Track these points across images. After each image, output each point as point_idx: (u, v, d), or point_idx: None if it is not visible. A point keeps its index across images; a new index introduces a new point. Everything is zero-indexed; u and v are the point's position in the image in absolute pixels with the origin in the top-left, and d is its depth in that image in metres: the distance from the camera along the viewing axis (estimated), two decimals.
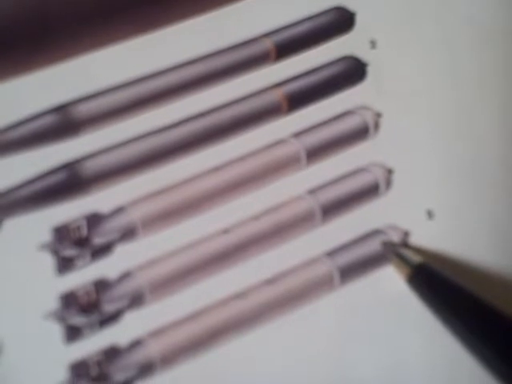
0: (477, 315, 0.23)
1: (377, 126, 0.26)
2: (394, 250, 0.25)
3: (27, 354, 0.22)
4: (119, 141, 0.24)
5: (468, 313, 0.23)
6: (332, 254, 0.25)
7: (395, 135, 0.26)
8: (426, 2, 0.27)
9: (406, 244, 0.26)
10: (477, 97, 0.27)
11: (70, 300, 0.23)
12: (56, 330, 0.22)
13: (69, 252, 0.23)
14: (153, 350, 0.23)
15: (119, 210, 0.24)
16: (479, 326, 0.23)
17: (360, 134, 0.26)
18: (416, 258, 0.25)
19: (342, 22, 0.26)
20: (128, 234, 0.24)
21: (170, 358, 0.23)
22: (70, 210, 0.23)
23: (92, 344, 0.23)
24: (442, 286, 0.24)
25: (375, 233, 0.25)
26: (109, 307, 0.23)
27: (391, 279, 0.25)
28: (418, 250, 0.26)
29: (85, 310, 0.23)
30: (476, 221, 0.26)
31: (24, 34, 0.24)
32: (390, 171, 0.26)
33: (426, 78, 0.27)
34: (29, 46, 0.24)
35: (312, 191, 0.25)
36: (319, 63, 0.26)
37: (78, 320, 0.23)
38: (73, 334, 0.23)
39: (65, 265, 0.23)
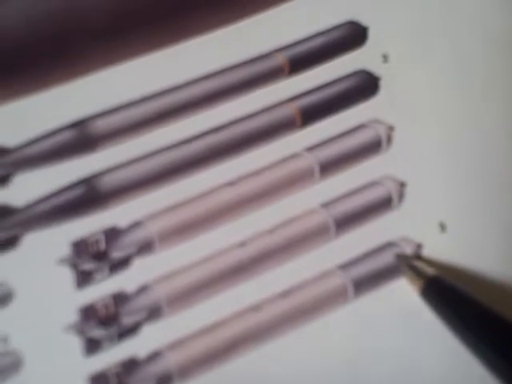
0: (490, 328, 0.23)
1: (389, 139, 0.26)
2: (407, 262, 0.25)
3: (47, 366, 0.23)
4: (136, 156, 0.24)
5: (481, 325, 0.24)
6: (345, 266, 0.25)
7: (408, 148, 0.26)
8: (437, 16, 0.27)
9: (418, 256, 0.26)
10: (488, 110, 0.27)
11: (89, 313, 0.23)
12: (75, 343, 0.23)
13: (87, 266, 0.23)
14: (170, 361, 0.23)
15: (137, 225, 0.24)
16: (493, 339, 0.23)
17: (373, 147, 0.26)
18: (429, 271, 0.25)
19: (354, 36, 0.27)
20: (145, 247, 0.24)
21: (187, 370, 0.23)
22: (88, 225, 0.24)
23: (111, 356, 0.23)
24: (456, 298, 0.24)
25: (388, 245, 0.26)
26: (127, 320, 0.23)
27: (404, 292, 0.25)
28: (431, 263, 0.26)
29: (104, 322, 0.23)
30: (489, 233, 0.27)
31: (41, 50, 0.24)
32: (402, 184, 0.26)
33: (438, 92, 0.27)
34: (46, 62, 0.24)
35: (326, 205, 0.26)
36: (332, 77, 0.26)
37: (97, 333, 0.23)
38: (92, 346, 0.23)
39: (83, 278, 0.23)
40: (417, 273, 0.25)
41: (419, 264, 0.25)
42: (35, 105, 0.24)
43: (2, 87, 0.24)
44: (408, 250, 0.26)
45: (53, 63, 0.24)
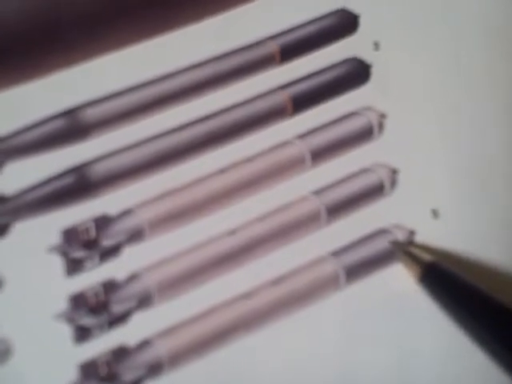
0: (490, 313, 0.23)
1: (381, 126, 0.26)
2: (403, 249, 0.25)
3: (37, 354, 0.23)
4: (127, 144, 0.24)
5: (481, 311, 0.23)
6: (337, 253, 0.25)
7: (400, 136, 0.26)
8: (428, 3, 0.27)
9: (413, 243, 0.26)
10: (482, 96, 0.27)
11: (79, 301, 0.23)
12: (65, 331, 0.23)
13: (78, 254, 0.23)
14: (161, 349, 0.23)
15: (127, 213, 0.24)
16: (493, 325, 0.23)
17: (364, 134, 0.26)
18: (426, 257, 0.25)
19: (345, 24, 0.27)
20: (136, 235, 0.24)
21: (178, 358, 0.23)
22: (78, 213, 0.24)
23: (101, 344, 0.23)
24: (454, 283, 0.24)
25: (381, 232, 0.26)
26: (117, 308, 0.23)
27: (397, 278, 0.25)
28: (426, 249, 0.26)
29: (94, 310, 0.23)
30: (482, 219, 0.26)
31: (32, 39, 0.24)
32: (394, 171, 0.26)
33: (430, 79, 0.27)
34: (37, 50, 0.24)
35: (317, 192, 0.25)
36: (323, 65, 0.26)
37: (87, 321, 0.23)
38: (82, 334, 0.23)
39: (74, 266, 0.23)
40: (413, 259, 0.25)
41: (415, 250, 0.25)
42: (26, 93, 0.24)
43: None
44: (400, 236, 0.26)
45: (44, 52, 0.24)
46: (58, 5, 0.25)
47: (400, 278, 0.25)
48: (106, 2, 0.25)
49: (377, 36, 0.27)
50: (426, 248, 0.26)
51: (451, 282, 0.24)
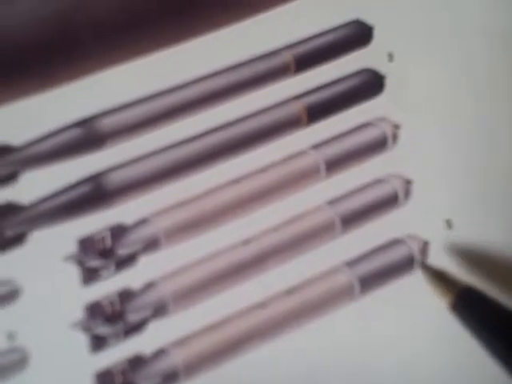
0: None
1: (395, 137, 0.26)
2: (434, 273, 0.24)
3: (53, 363, 0.23)
4: (143, 153, 0.24)
5: None
6: (352, 263, 0.25)
7: (413, 146, 0.27)
8: (442, 15, 0.27)
9: (426, 253, 0.26)
10: (494, 106, 0.27)
11: (95, 310, 0.23)
12: (81, 340, 0.23)
13: (94, 263, 0.23)
14: (176, 358, 0.23)
15: (143, 222, 0.24)
16: None
17: (378, 145, 0.26)
18: (459, 282, 0.24)
19: (360, 35, 0.27)
20: (151, 244, 0.24)
21: (193, 367, 0.23)
22: (94, 222, 0.24)
23: (117, 353, 0.23)
24: (491, 310, 0.23)
25: (395, 242, 0.26)
26: (133, 317, 0.23)
27: (412, 290, 0.25)
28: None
29: (110, 319, 0.23)
30: (495, 229, 0.27)
31: (48, 49, 0.24)
32: (408, 182, 0.26)
33: (443, 90, 0.27)
34: (53, 60, 0.24)
35: (331, 202, 0.26)
36: (338, 76, 0.26)
37: (103, 330, 0.23)
38: (98, 343, 0.23)
39: (90, 275, 0.23)
40: (446, 284, 0.24)
41: (447, 275, 0.24)
42: (42, 103, 0.24)
43: (10, 86, 0.24)
44: (415, 247, 0.26)
45: (60, 62, 0.24)
46: (73, 15, 0.25)
47: (415, 289, 0.25)
48: (121, 12, 0.25)
49: (391, 47, 0.27)
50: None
51: (488, 308, 0.23)
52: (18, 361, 0.23)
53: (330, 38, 0.26)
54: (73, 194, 0.24)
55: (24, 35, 0.24)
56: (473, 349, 0.24)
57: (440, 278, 0.24)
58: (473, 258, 0.25)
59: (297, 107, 0.26)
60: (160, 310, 0.24)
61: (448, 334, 0.25)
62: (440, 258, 0.26)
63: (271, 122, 0.26)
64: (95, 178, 0.24)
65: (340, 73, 0.26)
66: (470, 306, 0.23)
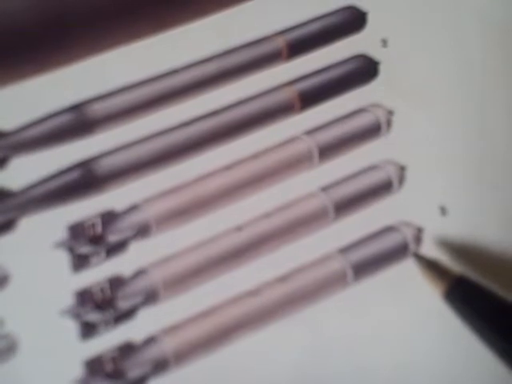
0: None
1: (389, 123, 0.26)
2: (426, 263, 0.24)
3: (43, 350, 0.22)
4: (133, 139, 0.24)
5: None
6: (345, 250, 0.25)
7: (407, 132, 0.26)
8: (437, 1, 0.27)
9: (420, 240, 0.26)
10: (489, 92, 0.27)
11: (85, 297, 0.23)
12: (71, 327, 0.23)
13: (84, 249, 0.23)
14: (167, 346, 0.23)
15: (133, 208, 0.24)
16: None
17: (372, 131, 0.26)
18: (453, 271, 0.24)
19: (353, 21, 0.27)
20: (142, 231, 0.24)
21: (184, 355, 0.23)
22: (84, 208, 0.23)
23: (107, 340, 0.23)
24: (483, 299, 0.23)
25: (388, 229, 0.26)
26: (123, 304, 0.23)
27: (405, 276, 0.25)
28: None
29: (100, 306, 0.23)
30: (490, 216, 0.26)
31: (39, 34, 0.24)
32: (402, 168, 0.26)
33: (437, 75, 0.27)
34: (44, 46, 0.24)
35: (325, 188, 0.25)
36: (331, 62, 0.26)
37: (93, 317, 0.23)
38: (88, 330, 0.23)
39: (80, 262, 0.23)
40: (439, 273, 0.24)
41: (440, 265, 0.24)
42: (33, 89, 0.24)
43: (1, 71, 0.24)
44: (408, 233, 0.26)
45: (50, 47, 0.24)
46: (64, 1, 0.24)
47: (408, 276, 0.25)
48: None
49: (385, 33, 0.27)
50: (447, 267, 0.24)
51: (480, 298, 0.23)
52: (6, 348, 0.22)
53: (323, 23, 0.26)
54: (63, 180, 0.24)
55: (13, 21, 0.24)
56: (464, 336, 0.24)
57: (433, 267, 0.24)
58: (464, 252, 0.25)
59: (290, 93, 0.26)
60: (150, 297, 0.23)
61: (440, 321, 0.25)
62: (434, 245, 0.26)
63: (264, 107, 0.25)
64: (85, 164, 0.24)
65: (333, 59, 0.26)
66: (463, 295, 0.23)
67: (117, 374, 0.23)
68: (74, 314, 0.23)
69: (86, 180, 0.24)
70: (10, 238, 0.23)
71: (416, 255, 0.25)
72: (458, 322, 0.24)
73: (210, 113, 0.25)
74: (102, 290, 0.23)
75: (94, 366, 0.23)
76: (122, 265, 0.23)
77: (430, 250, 0.25)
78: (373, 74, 0.26)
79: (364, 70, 0.26)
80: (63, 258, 0.23)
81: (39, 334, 0.22)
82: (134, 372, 0.23)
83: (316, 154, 0.25)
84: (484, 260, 0.25)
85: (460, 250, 0.25)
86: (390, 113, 0.26)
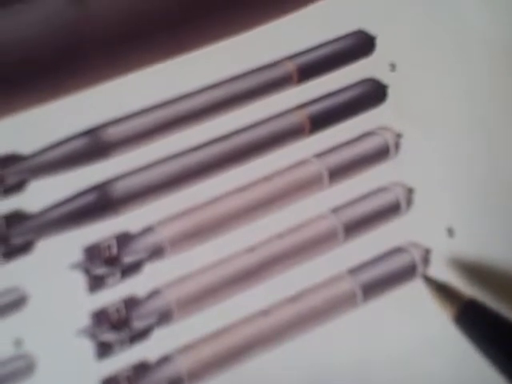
0: None
1: (397, 146, 0.27)
2: (437, 286, 0.24)
3: (59, 370, 0.23)
4: (148, 162, 0.25)
5: None
6: (354, 271, 0.25)
7: (415, 155, 0.27)
8: (444, 25, 0.28)
9: (427, 261, 0.26)
10: (495, 116, 0.28)
11: (101, 317, 0.23)
12: (87, 347, 0.23)
13: (100, 271, 0.24)
14: (181, 365, 0.23)
15: (148, 230, 0.24)
16: None
17: (381, 154, 0.27)
18: (463, 294, 0.24)
19: (362, 45, 0.27)
20: (156, 252, 0.24)
21: (198, 374, 0.24)
22: (100, 230, 0.24)
23: (122, 360, 0.23)
24: (493, 323, 0.23)
25: (397, 250, 0.26)
26: (138, 324, 0.24)
27: (414, 297, 0.25)
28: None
29: (115, 326, 0.23)
30: (497, 238, 0.27)
31: (56, 60, 0.25)
32: (410, 190, 0.27)
33: (445, 99, 0.27)
34: (60, 71, 0.25)
35: (334, 210, 0.26)
36: (341, 85, 0.27)
37: (108, 336, 0.23)
38: (104, 350, 0.23)
39: (96, 283, 0.24)
40: (449, 297, 0.24)
41: (450, 287, 0.24)
42: (49, 113, 0.24)
43: (19, 96, 0.24)
44: (416, 255, 0.26)
45: (67, 72, 0.25)
46: (79, 27, 0.25)
47: (417, 296, 0.25)
48: (126, 24, 0.25)
49: (393, 57, 0.27)
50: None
51: (491, 321, 0.23)
52: (24, 367, 0.23)
53: (332, 47, 0.27)
54: (79, 203, 0.24)
55: (33, 46, 0.25)
56: (474, 357, 0.24)
57: (443, 290, 0.24)
58: (475, 272, 0.25)
59: (300, 116, 0.26)
60: (165, 317, 0.24)
61: (450, 340, 0.25)
62: (442, 267, 0.26)
63: (275, 131, 0.26)
64: (101, 187, 0.24)
65: (343, 83, 0.27)
66: (474, 319, 0.23)
67: None
68: (90, 333, 0.23)
69: (101, 202, 0.24)
70: (27, 260, 0.23)
71: (426, 278, 0.25)
72: (467, 342, 0.24)
73: (222, 136, 0.25)
74: (117, 311, 0.24)
75: None
76: (136, 285, 0.24)
77: (437, 271, 0.26)
78: (381, 97, 0.27)
79: (373, 94, 0.27)
80: (79, 279, 0.23)
81: (56, 353, 0.23)
82: None
83: (326, 176, 0.26)
84: (495, 280, 0.26)
85: (472, 270, 0.25)
86: (399, 136, 0.27)
